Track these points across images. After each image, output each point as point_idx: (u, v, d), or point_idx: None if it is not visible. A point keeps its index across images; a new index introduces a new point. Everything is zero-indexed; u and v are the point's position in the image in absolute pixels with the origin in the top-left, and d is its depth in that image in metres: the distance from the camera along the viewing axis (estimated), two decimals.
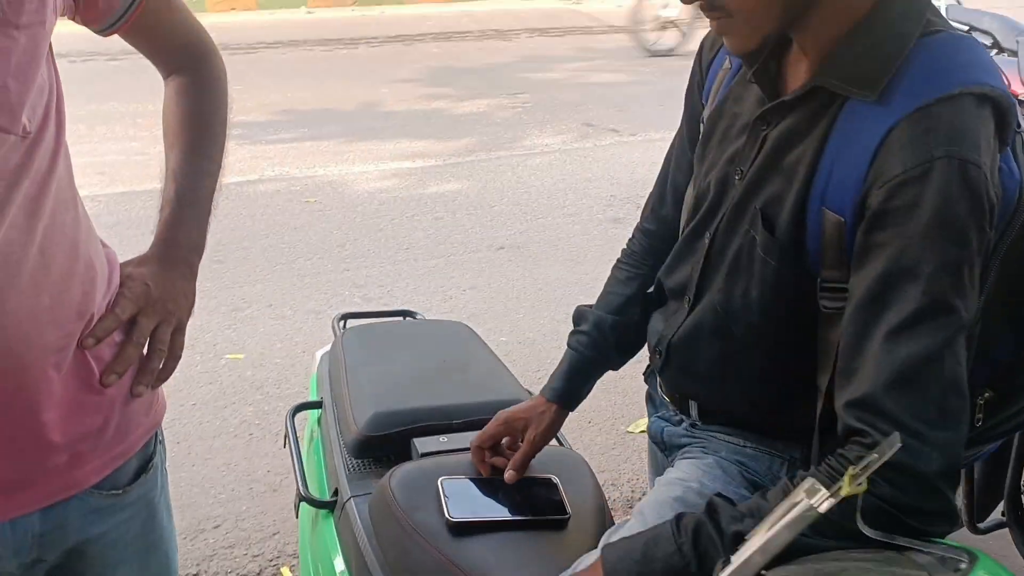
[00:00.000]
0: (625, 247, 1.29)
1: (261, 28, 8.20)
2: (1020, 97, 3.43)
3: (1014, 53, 3.79)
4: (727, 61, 1.06)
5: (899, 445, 0.63)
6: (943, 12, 4.18)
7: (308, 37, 7.80)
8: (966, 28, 4.09)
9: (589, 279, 3.56)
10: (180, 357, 1.03)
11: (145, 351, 0.98)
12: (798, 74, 0.93)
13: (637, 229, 1.28)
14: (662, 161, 1.24)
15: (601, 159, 4.95)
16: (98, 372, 0.91)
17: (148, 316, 0.98)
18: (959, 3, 4.30)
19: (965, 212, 0.78)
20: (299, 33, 7.95)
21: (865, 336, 0.80)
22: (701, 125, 1.10)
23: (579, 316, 1.28)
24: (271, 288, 3.44)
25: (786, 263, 0.91)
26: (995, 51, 3.95)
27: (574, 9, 9.33)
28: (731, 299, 0.99)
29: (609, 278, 1.29)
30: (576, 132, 5.40)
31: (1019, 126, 0.87)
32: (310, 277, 3.59)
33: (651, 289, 1.23)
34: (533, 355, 3.04)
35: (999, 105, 0.81)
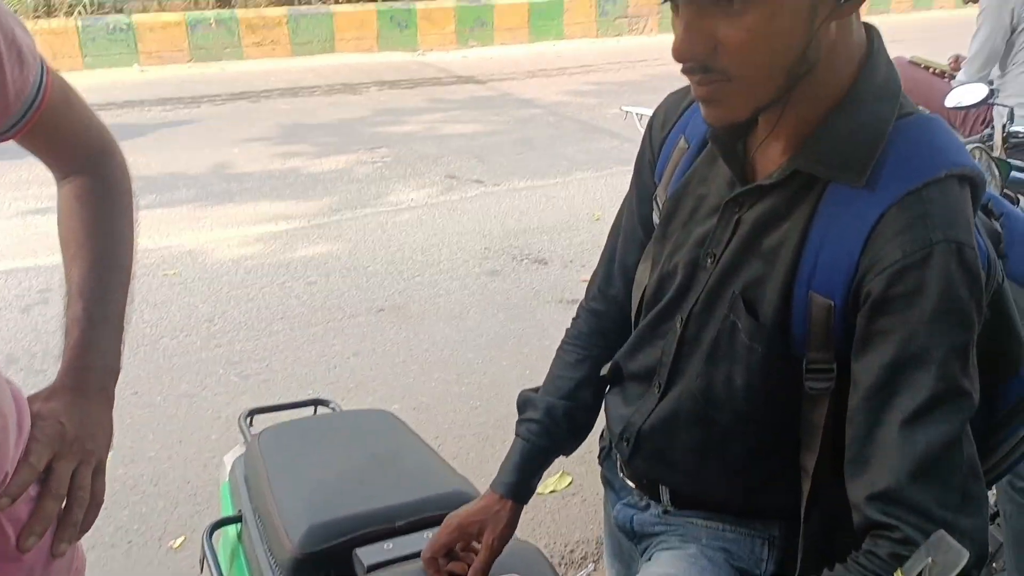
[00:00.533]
0: (571, 328, 1.25)
1: (88, 89, 7.70)
2: None
3: None
4: (682, 139, 1.04)
5: (965, 558, 0.61)
6: None
7: (144, 97, 7.40)
8: None
9: (474, 335, 3.52)
10: (103, 503, 0.90)
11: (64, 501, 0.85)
12: (770, 155, 0.91)
13: (583, 309, 1.24)
14: (605, 238, 1.21)
15: (470, 211, 4.93)
16: (14, 536, 0.77)
17: (65, 460, 0.85)
18: None
19: (967, 295, 0.78)
20: (133, 93, 7.53)
21: (878, 424, 0.79)
22: (656, 204, 1.07)
23: (525, 403, 1.22)
24: (135, 373, 3.16)
25: (773, 348, 0.89)
26: None
27: (420, 61, 9.37)
28: (712, 386, 0.96)
29: (556, 361, 1.23)
30: (440, 185, 5.37)
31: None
32: (178, 357, 3.34)
33: (604, 371, 1.19)
34: (429, 421, 2.95)
35: (975, 184, 0.83)
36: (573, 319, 1.26)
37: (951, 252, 0.78)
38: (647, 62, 9.19)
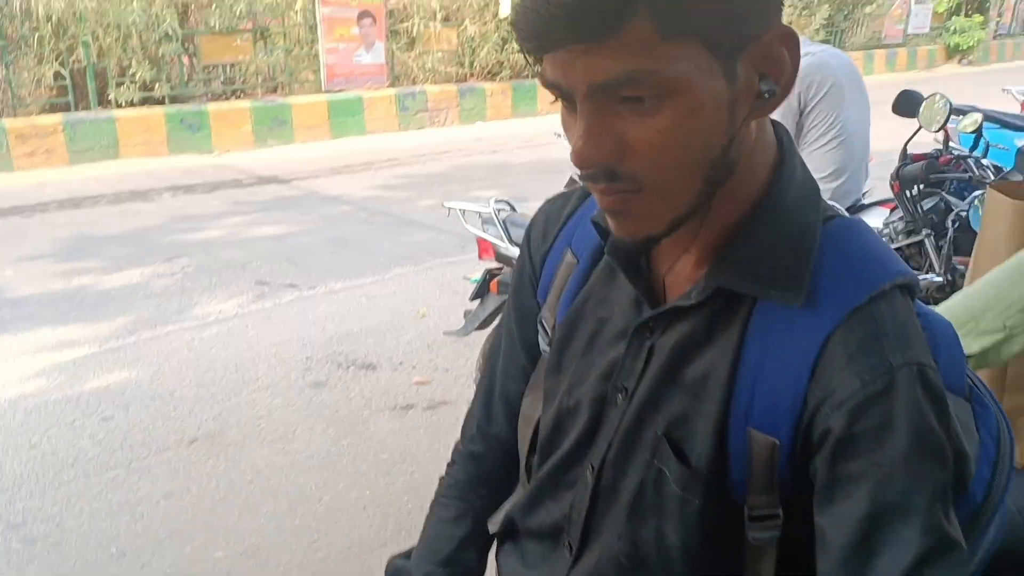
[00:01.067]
0: (445, 477, 1.06)
1: None
2: None
3: None
4: (568, 253, 0.90)
5: None
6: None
7: None
8: None
9: (303, 457, 3.20)
10: None
11: None
12: (680, 270, 0.79)
13: (459, 454, 1.06)
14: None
15: (286, 318, 4.61)
16: None
17: None
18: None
19: (937, 425, 0.68)
20: None
21: None
22: (543, 327, 0.92)
23: (396, 574, 1.01)
24: None
25: (710, 496, 0.75)
26: None
27: (216, 163, 8.94)
28: (640, 546, 0.79)
29: (431, 518, 1.04)
30: (250, 293, 5.01)
31: None
32: None
33: (492, 527, 1.00)
34: (260, 567, 2.60)
35: (913, 291, 0.75)
36: (448, 465, 1.07)
37: (914, 377, 0.68)
38: (451, 153, 9.29)
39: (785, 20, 0.70)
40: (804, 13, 14.30)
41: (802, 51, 3.17)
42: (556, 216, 0.94)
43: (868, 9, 16.69)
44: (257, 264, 5.52)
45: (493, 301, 3.09)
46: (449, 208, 3.21)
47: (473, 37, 11.83)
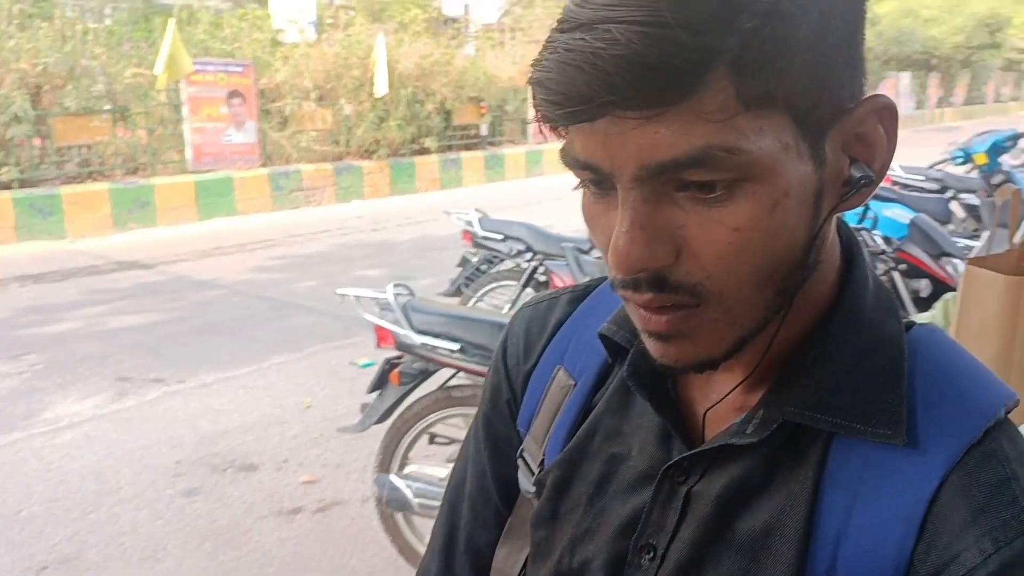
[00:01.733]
0: None
1: None
2: None
3: (549, 256, 4.15)
4: (561, 373, 0.72)
5: None
6: (476, 225, 4.43)
7: None
8: (500, 236, 4.41)
9: None
10: None
11: None
12: (719, 395, 0.62)
13: None
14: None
15: (152, 418, 4.18)
16: None
17: None
18: (485, 215, 4.64)
19: None
20: None
21: None
22: (526, 464, 0.73)
23: None
24: None
25: None
26: (529, 254, 4.30)
27: (71, 249, 8.31)
28: None
29: None
30: (111, 391, 4.53)
31: None
32: None
33: None
34: None
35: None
36: None
37: None
38: (330, 232, 9.01)
39: None
40: None
41: None
42: (541, 325, 0.77)
43: None
44: (118, 358, 5.04)
45: (393, 393, 2.86)
46: (342, 295, 2.98)
47: (349, 116, 11.71)
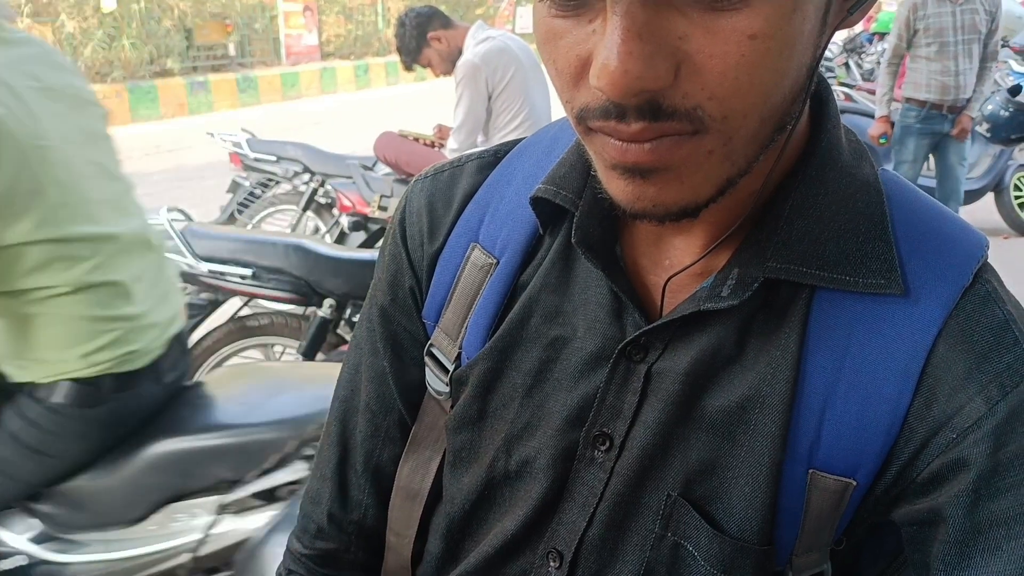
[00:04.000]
0: None
1: None
2: (368, 213, 3.60)
3: (329, 176, 3.99)
4: (476, 251, 0.64)
5: None
6: (245, 147, 4.17)
7: None
8: (273, 158, 4.18)
9: None
10: None
11: None
12: (679, 259, 0.57)
13: (296, 559, 0.75)
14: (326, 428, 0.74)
15: None
16: None
17: None
18: (254, 136, 4.36)
19: None
20: None
21: None
22: (437, 360, 0.66)
23: None
24: None
25: (761, 572, 0.54)
26: (307, 176, 4.12)
27: None
28: None
29: None
30: None
31: None
32: None
33: None
34: None
35: None
36: None
37: None
38: None
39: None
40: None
41: (481, 36, 3.12)
42: (446, 199, 0.66)
43: (479, 11, 17.79)
44: None
45: None
46: None
47: (73, 34, 10.43)
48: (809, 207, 0.53)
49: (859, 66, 9.74)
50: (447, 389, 0.64)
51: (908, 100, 4.42)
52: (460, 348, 0.64)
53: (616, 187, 0.48)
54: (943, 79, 4.24)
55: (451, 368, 0.64)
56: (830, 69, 8.31)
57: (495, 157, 0.67)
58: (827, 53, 9.66)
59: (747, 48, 0.42)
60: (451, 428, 0.64)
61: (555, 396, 0.59)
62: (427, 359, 0.66)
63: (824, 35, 0.47)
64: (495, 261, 0.62)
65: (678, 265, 0.56)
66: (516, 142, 0.67)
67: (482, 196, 0.65)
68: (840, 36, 12.59)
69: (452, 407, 0.64)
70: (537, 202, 0.59)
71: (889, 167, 4.21)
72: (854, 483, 0.52)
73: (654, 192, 0.47)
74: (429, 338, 0.66)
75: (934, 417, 0.51)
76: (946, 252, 0.53)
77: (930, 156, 4.63)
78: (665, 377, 0.55)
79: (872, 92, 7.50)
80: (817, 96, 0.56)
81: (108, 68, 10.81)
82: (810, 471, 0.53)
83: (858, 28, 12.34)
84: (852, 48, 10.00)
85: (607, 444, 0.57)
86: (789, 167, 0.54)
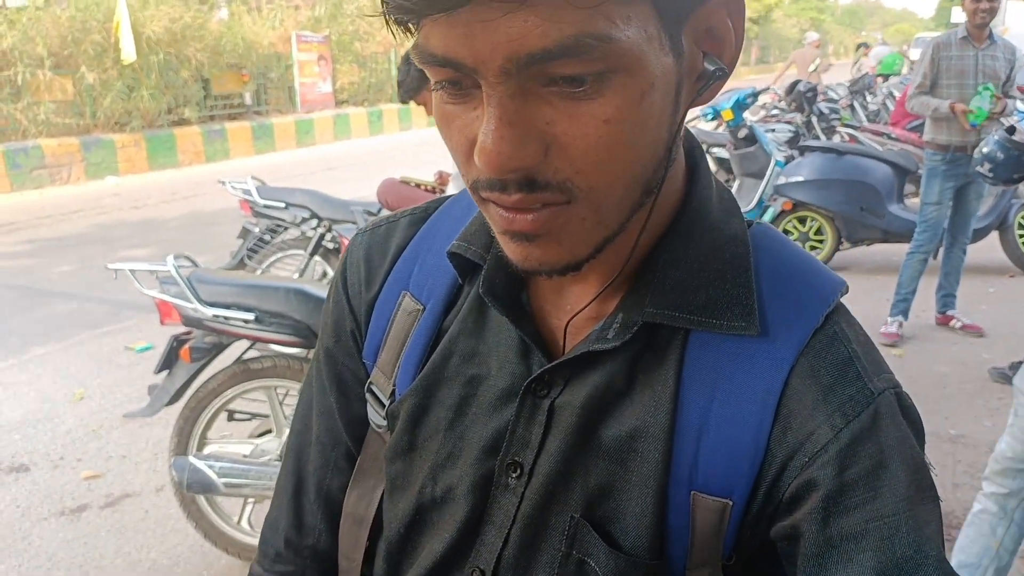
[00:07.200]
0: None
1: None
2: None
3: (336, 222, 4.08)
4: (407, 299, 0.71)
5: None
6: (255, 194, 4.26)
7: None
8: (282, 205, 4.27)
9: None
10: None
11: None
12: (575, 305, 0.64)
13: None
14: (282, 467, 0.81)
15: None
16: None
17: None
18: (264, 183, 4.47)
19: (921, 455, 0.58)
20: None
21: None
22: (375, 396, 0.73)
23: None
24: None
25: None
26: (314, 221, 4.21)
27: None
28: None
29: None
30: None
31: None
32: None
33: None
34: None
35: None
36: None
37: (893, 403, 0.58)
38: (83, 212, 8.24)
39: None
40: None
41: None
42: (381, 251, 0.74)
43: None
44: None
45: (184, 371, 2.70)
46: (115, 270, 2.75)
47: (92, 85, 10.70)
48: (680, 259, 0.60)
49: (864, 108, 9.83)
50: (385, 423, 0.71)
51: (929, 144, 4.41)
52: (394, 385, 0.70)
53: (509, 249, 0.55)
54: (962, 120, 4.25)
55: (387, 404, 0.71)
56: (835, 111, 8.38)
57: (425, 213, 0.74)
58: (833, 95, 9.77)
59: (603, 131, 0.49)
60: (387, 458, 0.70)
61: (473, 428, 0.66)
62: (367, 395, 0.73)
63: (678, 113, 0.54)
64: (422, 307, 0.70)
65: (576, 309, 0.63)
66: (445, 198, 0.75)
67: (412, 249, 0.72)
68: (845, 78, 12.70)
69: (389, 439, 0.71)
70: (452, 256, 0.67)
71: (933, 195, 4.25)
72: (730, 502, 0.58)
73: (539, 253, 0.54)
74: (369, 377, 0.73)
75: (789, 443, 0.57)
76: (802, 296, 0.60)
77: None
78: (565, 410, 0.62)
79: (877, 134, 7.59)
80: (691, 160, 0.63)
81: (127, 118, 11.08)
82: (692, 492, 0.59)
83: (864, 69, 12.44)
84: (857, 90, 10.09)
85: (518, 471, 0.63)
86: (667, 223, 0.61)
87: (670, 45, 0.51)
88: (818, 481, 0.55)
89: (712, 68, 0.54)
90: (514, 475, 0.63)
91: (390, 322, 0.71)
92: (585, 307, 0.62)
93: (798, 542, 0.56)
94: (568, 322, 0.63)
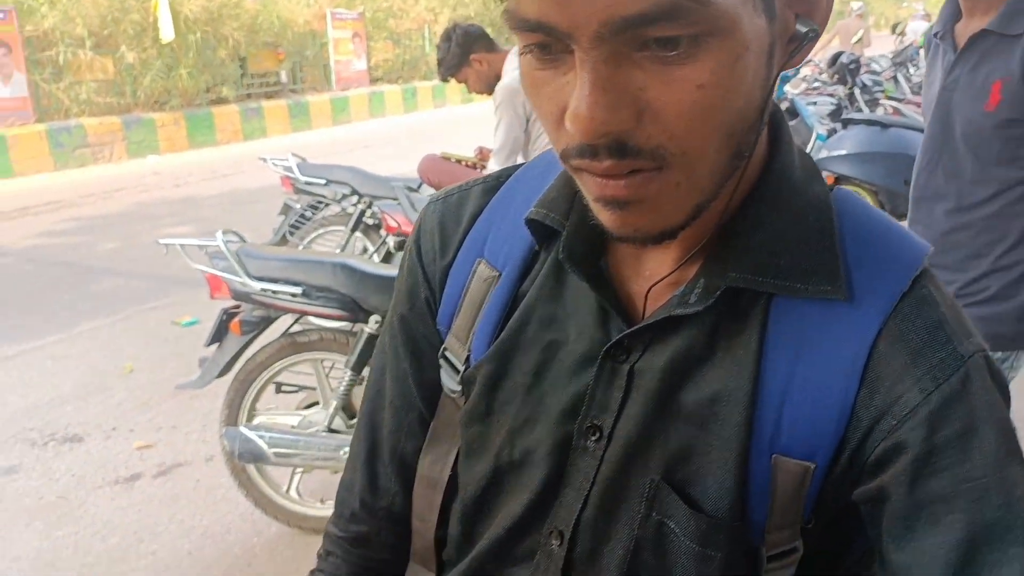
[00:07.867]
0: (316, 574, 0.84)
1: None
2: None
3: (376, 198, 4.11)
4: (482, 266, 0.71)
5: None
6: (296, 171, 4.30)
7: None
8: (323, 182, 4.31)
9: (7, 562, 2.63)
10: None
11: None
12: (655, 271, 0.64)
13: (334, 541, 0.84)
14: (361, 431, 0.81)
15: None
16: None
17: None
18: (304, 160, 4.51)
19: (1009, 420, 0.58)
20: None
21: None
22: (449, 363, 0.74)
23: None
24: None
25: (735, 547, 0.61)
26: (355, 198, 4.24)
27: None
28: None
29: None
30: None
31: None
32: None
33: None
34: None
35: None
36: (319, 558, 0.84)
37: (983, 366, 0.57)
38: (126, 191, 8.38)
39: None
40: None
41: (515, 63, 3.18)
42: (455, 218, 0.74)
43: None
44: None
45: (235, 344, 2.75)
46: (166, 245, 2.81)
47: (132, 65, 10.84)
48: (764, 223, 0.60)
49: (908, 79, 9.63)
50: (459, 388, 0.72)
51: None
52: (469, 351, 0.71)
53: (603, 216, 0.56)
54: None
55: (462, 369, 0.71)
56: (878, 83, 8.21)
57: (498, 181, 0.75)
58: (875, 67, 9.55)
59: (697, 95, 0.49)
60: (463, 423, 0.71)
61: (552, 393, 0.66)
62: (441, 361, 0.74)
63: (771, 76, 0.54)
64: (498, 274, 0.70)
65: (657, 276, 0.63)
66: (517, 167, 0.76)
67: (487, 216, 0.73)
68: (888, 50, 12.42)
69: (464, 404, 0.72)
70: (531, 223, 0.67)
71: None
72: (813, 465, 0.58)
73: (634, 220, 0.54)
74: (443, 343, 0.74)
75: (876, 406, 0.57)
76: (888, 261, 0.60)
77: None
78: (646, 374, 0.62)
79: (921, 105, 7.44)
80: (773, 123, 0.63)
81: (166, 97, 11.21)
82: (773, 456, 0.59)
83: (907, 41, 12.17)
84: (900, 62, 9.89)
85: (597, 435, 0.64)
86: (750, 188, 0.61)
87: (763, 7, 0.51)
88: (907, 443, 0.56)
89: (804, 29, 0.54)
90: (593, 438, 0.64)
91: (465, 289, 0.72)
92: (671, 273, 0.62)
93: (884, 504, 0.57)
94: (650, 289, 0.63)
